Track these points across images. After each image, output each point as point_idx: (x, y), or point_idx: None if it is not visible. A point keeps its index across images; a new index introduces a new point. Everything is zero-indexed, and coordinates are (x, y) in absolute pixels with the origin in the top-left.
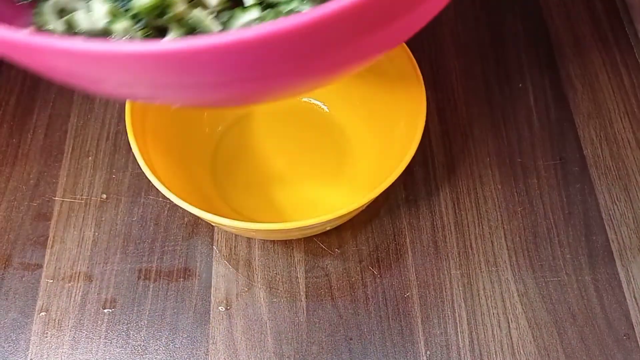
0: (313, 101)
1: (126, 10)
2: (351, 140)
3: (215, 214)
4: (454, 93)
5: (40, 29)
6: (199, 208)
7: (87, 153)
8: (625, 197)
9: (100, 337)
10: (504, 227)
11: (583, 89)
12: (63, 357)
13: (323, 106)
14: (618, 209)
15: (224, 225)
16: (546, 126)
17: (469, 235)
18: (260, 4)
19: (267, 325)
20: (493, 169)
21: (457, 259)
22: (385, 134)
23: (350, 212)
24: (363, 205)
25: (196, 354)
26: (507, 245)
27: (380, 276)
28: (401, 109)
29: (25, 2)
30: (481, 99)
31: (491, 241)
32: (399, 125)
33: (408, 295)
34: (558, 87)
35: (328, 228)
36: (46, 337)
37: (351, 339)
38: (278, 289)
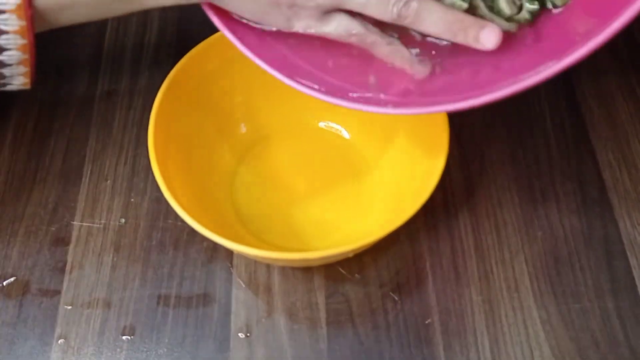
0: (332, 125)
1: None
2: (371, 166)
3: (234, 241)
4: (470, 114)
5: None
6: (219, 234)
7: (106, 177)
8: None
9: None
10: (524, 252)
11: (599, 111)
12: None
13: (344, 132)
14: (639, 234)
15: (245, 253)
16: (563, 149)
17: (490, 259)
18: None
19: (288, 353)
20: (512, 192)
21: (478, 285)
22: (406, 161)
23: (373, 241)
24: (385, 234)
25: None
26: (528, 271)
27: (401, 302)
28: (423, 136)
29: None
30: (498, 121)
31: (512, 266)
32: (419, 152)
33: (429, 322)
34: (574, 110)
35: (350, 256)
36: None
37: None
38: (298, 315)
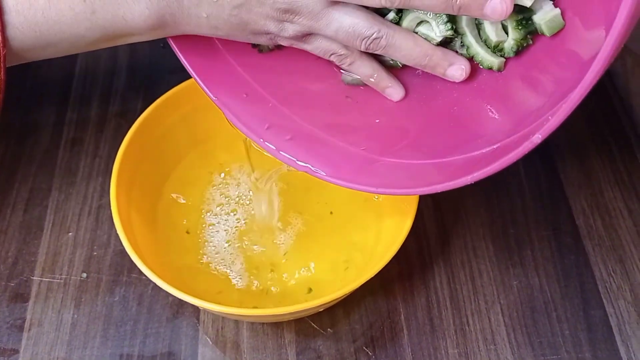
0: None
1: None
2: (340, 214)
3: (199, 297)
4: None
5: None
6: (183, 289)
7: (68, 229)
8: (620, 269)
9: None
10: (500, 302)
11: (571, 158)
12: None
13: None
14: (614, 281)
15: (210, 310)
16: (537, 196)
17: (465, 311)
18: None
19: None
20: (487, 241)
21: (454, 337)
22: (376, 210)
23: (345, 294)
24: (357, 286)
25: None
26: (504, 322)
27: (375, 357)
28: None
29: None
30: None
31: (488, 317)
32: (390, 200)
33: None
34: (546, 156)
35: (321, 310)
36: None
37: None
38: None
